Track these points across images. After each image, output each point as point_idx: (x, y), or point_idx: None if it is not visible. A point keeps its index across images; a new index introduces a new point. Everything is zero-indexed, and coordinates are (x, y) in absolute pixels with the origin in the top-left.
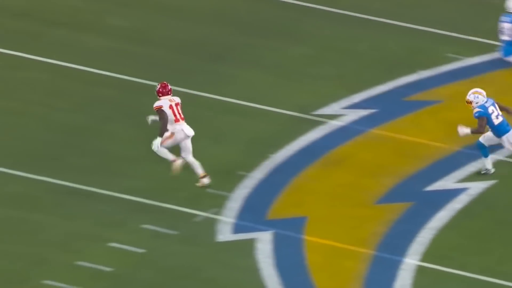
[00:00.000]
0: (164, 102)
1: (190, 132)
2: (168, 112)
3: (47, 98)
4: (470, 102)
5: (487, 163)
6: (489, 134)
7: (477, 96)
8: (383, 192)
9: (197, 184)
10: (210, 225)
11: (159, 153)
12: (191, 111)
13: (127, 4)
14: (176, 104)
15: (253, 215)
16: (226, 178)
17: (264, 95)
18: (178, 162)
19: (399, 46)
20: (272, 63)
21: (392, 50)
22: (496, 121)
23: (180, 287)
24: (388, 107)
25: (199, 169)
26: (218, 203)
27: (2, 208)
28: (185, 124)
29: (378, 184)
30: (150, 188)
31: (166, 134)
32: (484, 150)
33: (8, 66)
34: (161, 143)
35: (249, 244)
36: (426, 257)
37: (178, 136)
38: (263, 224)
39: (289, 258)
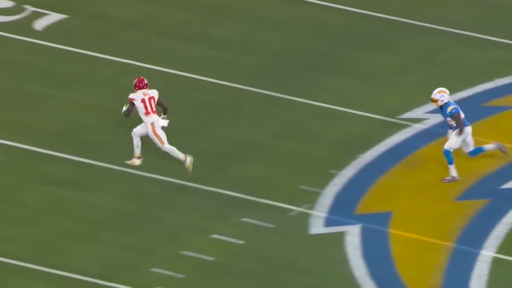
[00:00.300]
0: (138, 96)
1: (164, 123)
2: (140, 105)
3: None
4: (436, 101)
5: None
6: (454, 139)
7: (442, 95)
8: (463, 190)
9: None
10: (304, 219)
11: (169, 151)
12: (287, 115)
13: (230, 16)
14: (150, 98)
15: (343, 210)
16: (318, 176)
17: (354, 100)
18: (188, 163)
19: (477, 56)
20: (362, 71)
21: (471, 60)
22: (462, 116)
23: (276, 276)
24: (468, 112)
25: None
26: (311, 199)
27: (117, 203)
28: (156, 116)
29: (458, 182)
30: (249, 185)
31: (149, 130)
32: (449, 156)
33: (121, 73)
34: (160, 139)
35: (339, 237)
36: (501, 249)
37: (156, 125)
38: (352, 218)
39: (375, 250)
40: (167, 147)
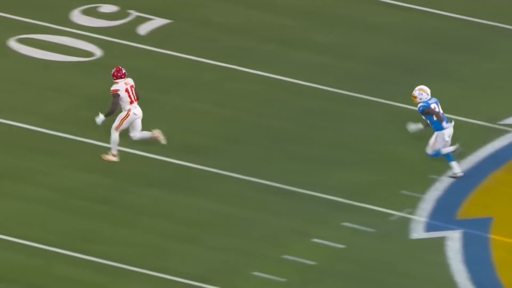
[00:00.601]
0: (121, 86)
1: (140, 113)
2: (124, 95)
3: (257, 107)
4: (415, 97)
5: (454, 167)
6: (435, 139)
7: (421, 93)
8: None
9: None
10: (405, 224)
11: (113, 138)
12: (387, 120)
13: (331, 22)
14: (131, 87)
15: (443, 215)
16: (419, 181)
17: (454, 106)
18: (115, 159)
19: None
20: (462, 76)
21: None
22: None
23: (377, 280)
24: None
25: (147, 135)
26: (411, 204)
27: (218, 205)
28: (137, 105)
29: None
30: (350, 189)
31: (122, 114)
32: (449, 157)
33: (223, 78)
34: (119, 126)
35: (440, 242)
36: None
37: (132, 116)
38: (452, 223)
39: (476, 255)
40: (115, 136)
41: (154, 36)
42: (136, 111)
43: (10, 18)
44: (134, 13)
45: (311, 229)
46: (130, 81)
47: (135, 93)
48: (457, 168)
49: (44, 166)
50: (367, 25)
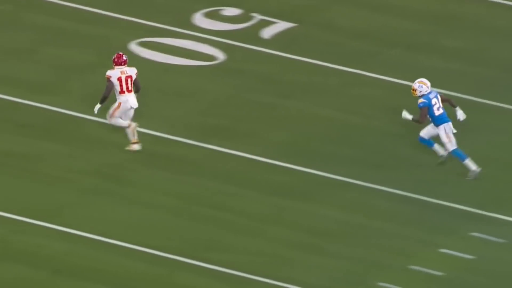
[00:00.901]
0: (115, 73)
1: (134, 104)
2: (116, 83)
3: (383, 113)
4: (415, 90)
5: (437, 150)
6: (428, 127)
7: (421, 85)
8: None
9: (127, 148)
10: None
11: (112, 123)
12: None
13: (460, 26)
14: (127, 77)
15: None
16: None
17: None
18: (133, 125)
19: None
20: None
21: None
22: (437, 112)
23: None
24: None
25: (125, 124)
26: None
27: (343, 214)
28: (131, 96)
29: None
30: (479, 199)
31: (114, 105)
32: (428, 142)
33: (348, 83)
34: (112, 115)
35: None
36: None
37: (124, 106)
38: None
39: None
40: (114, 121)
41: (278, 40)
42: (126, 101)
43: (132, 21)
44: (257, 16)
45: (438, 239)
46: (129, 71)
47: (135, 84)
48: (441, 150)
49: (165, 173)
50: (497, 29)
